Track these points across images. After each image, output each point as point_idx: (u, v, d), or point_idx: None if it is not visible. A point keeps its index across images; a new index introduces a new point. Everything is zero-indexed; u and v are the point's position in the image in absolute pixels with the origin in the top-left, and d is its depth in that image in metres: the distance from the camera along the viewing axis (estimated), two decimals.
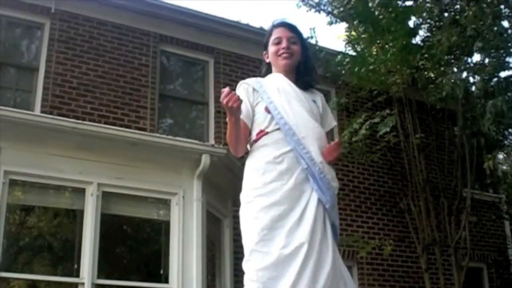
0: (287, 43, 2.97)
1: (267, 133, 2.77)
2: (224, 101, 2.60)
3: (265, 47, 3.08)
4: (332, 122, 3.10)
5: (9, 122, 5.90)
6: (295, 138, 2.73)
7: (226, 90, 2.60)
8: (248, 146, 2.90)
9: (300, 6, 10.09)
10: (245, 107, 2.81)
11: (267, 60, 3.09)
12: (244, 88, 2.97)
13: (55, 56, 8.34)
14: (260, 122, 2.85)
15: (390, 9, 9.11)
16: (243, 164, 2.90)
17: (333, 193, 2.72)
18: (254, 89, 2.95)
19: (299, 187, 2.68)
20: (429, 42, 9.56)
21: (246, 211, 2.73)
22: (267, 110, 2.84)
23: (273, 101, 2.85)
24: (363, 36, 9.56)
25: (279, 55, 2.98)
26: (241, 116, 2.77)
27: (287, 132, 2.75)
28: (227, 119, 2.76)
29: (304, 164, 2.70)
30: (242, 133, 2.81)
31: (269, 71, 3.09)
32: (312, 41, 9.89)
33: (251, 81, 3.00)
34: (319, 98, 3.06)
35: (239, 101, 2.62)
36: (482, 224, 11.47)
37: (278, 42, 2.99)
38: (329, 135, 3.06)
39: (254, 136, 2.83)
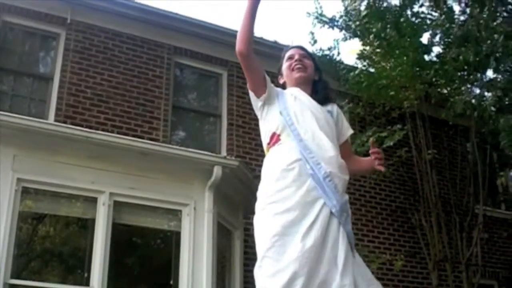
0: (299, 57, 3.13)
1: (280, 140, 2.85)
2: None
3: (279, 71, 3.25)
4: (348, 131, 3.15)
5: (23, 131, 5.95)
6: (302, 143, 2.79)
7: None
8: (265, 150, 2.98)
9: (315, 25, 10.05)
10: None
11: (281, 82, 3.22)
12: (273, 87, 3.04)
13: (70, 66, 8.41)
14: (272, 124, 2.93)
15: (398, 25, 9.11)
16: (255, 177, 2.97)
17: (340, 197, 2.69)
18: (278, 93, 3.03)
19: (312, 193, 2.67)
20: (443, 58, 9.54)
21: (259, 218, 2.75)
22: (281, 113, 2.92)
23: (288, 107, 2.94)
24: (377, 50, 9.54)
25: (293, 69, 3.12)
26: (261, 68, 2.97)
27: (295, 136, 2.82)
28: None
29: (309, 169, 2.71)
30: (251, 34, 3.00)
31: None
32: (335, 51, 10.01)
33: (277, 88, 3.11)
34: (335, 108, 3.13)
35: None
36: (493, 241, 11.38)
37: (290, 58, 3.16)
38: (349, 142, 3.20)
39: (267, 139, 2.93)
